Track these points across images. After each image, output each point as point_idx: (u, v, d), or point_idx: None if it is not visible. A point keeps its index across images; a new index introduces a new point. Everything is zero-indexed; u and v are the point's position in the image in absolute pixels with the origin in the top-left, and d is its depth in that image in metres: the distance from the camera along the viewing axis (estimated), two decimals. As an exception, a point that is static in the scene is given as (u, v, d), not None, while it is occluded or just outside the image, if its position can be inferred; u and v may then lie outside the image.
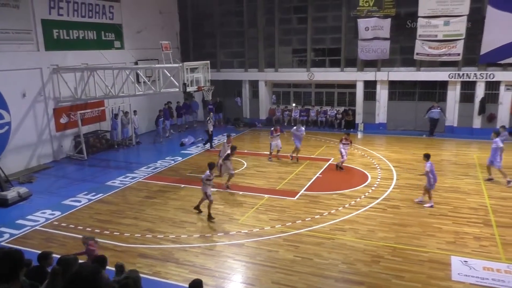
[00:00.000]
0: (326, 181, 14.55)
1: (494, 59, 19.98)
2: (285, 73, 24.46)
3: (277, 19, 24.00)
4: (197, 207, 11.81)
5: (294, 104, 25.21)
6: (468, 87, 21.01)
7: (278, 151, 17.20)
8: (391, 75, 21.97)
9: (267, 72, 24.81)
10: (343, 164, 15.68)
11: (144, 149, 20.19)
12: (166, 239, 10.19)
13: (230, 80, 25.21)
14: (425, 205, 11.94)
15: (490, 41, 19.54)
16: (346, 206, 12.06)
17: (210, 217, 11.34)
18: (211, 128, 19.26)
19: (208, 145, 19.53)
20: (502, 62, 19.90)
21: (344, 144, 15.59)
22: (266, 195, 13.02)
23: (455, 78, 20.85)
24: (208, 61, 17.36)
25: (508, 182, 13.49)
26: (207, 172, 11.43)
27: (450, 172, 15.33)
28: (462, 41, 19.82)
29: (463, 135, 20.48)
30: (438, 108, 20.75)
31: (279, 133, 17.32)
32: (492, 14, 19.09)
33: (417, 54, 20.75)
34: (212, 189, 11.91)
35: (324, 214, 11.50)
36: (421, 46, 20.51)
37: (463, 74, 20.71)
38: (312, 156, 17.60)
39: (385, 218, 11.17)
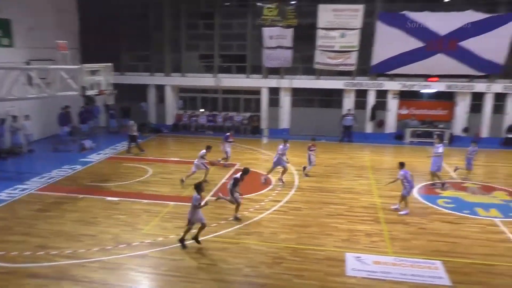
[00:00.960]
0: (233, 186, 14.72)
1: (383, 70, 22.03)
2: (192, 78, 24.32)
3: (183, 24, 23.81)
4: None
5: (201, 110, 25.19)
6: (361, 95, 22.86)
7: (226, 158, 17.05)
8: (293, 83, 23.04)
9: (174, 77, 24.46)
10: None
11: (37, 157, 18.58)
12: (61, 255, 9.47)
13: (135, 84, 24.36)
14: (400, 212, 12.16)
15: (379, 54, 21.50)
16: (251, 210, 12.34)
17: (197, 240, 9.92)
18: (135, 132, 18.93)
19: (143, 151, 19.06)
20: (390, 72, 22.01)
21: (312, 150, 16.02)
22: (171, 203, 12.79)
23: (350, 86, 22.57)
24: (111, 64, 16.56)
25: (443, 184, 14.68)
26: (196, 195, 9.68)
27: (346, 174, 16.54)
28: (356, 53, 21.53)
29: (357, 140, 22.18)
30: (352, 116, 22.29)
31: (233, 140, 17.45)
32: (381, 29, 21.02)
33: (317, 63, 22.07)
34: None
35: (229, 219, 11.62)
36: (320, 56, 21.85)
37: (356, 83, 22.51)
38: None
39: (287, 220, 11.65)
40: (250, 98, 24.80)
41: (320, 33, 21.51)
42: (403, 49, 21.09)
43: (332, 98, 23.42)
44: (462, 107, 22.15)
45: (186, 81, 24.49)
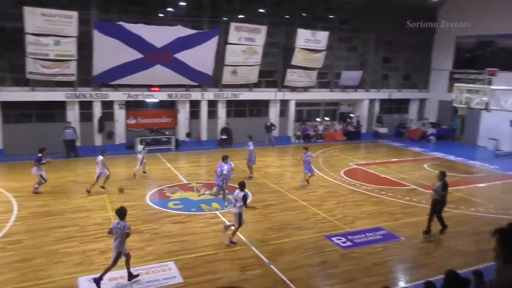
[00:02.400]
0: None
1: (106, 80, 21.71)
2: None
3: None
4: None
5: None
6: (86, 107, 21.89)
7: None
8: (2, 96, 19.90)
9: None
10: None
11: None
12: None
13: None
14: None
15: (100, 64, 21.03)
16: (-48, 256, 9.94)
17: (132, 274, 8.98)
18: None
19: None
20: (114, 83, 21.91)
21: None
22: None
23: (72, 98, 21.24)
24: None
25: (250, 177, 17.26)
26: (123, 221, 8.72)
27: (76, 192, 15.46)
28: (75, 62, 20.38)
29: (87, 154, 21.06)
30: (71, 128, 20.67)
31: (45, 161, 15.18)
32: (99, 38, 20.54)
33: (30, 73, 19.74)
34: None
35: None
36: (33, 64, 19.63)
37: (79, 94, 21.39)
38: None
39: (4, 258, 9.92)
40: None
41: (29, 39, 19.23)
42: (124, 60, 21.30)
43: (54, 111, 21.51)
44: (183, 114, 24.27)
45: None
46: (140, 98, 22.85)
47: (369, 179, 18.09)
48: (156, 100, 23.66)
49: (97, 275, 8.63)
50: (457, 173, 19.71)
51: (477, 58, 27.16)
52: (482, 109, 20.72)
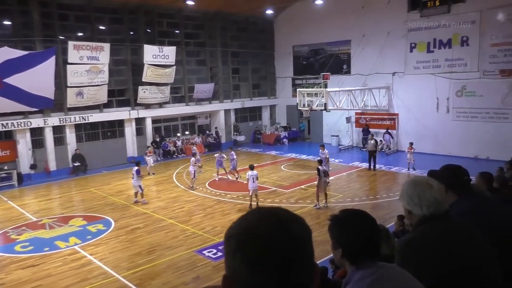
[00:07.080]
0: None
1: None
2: None
3: None
4: None
5: None
6: None
7: None
8: None
9: None
10: None
11: None
12: None
13: None
14: None
15: None
16: None
17: None
18: None
19: None
20: None
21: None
22: None
23: None
24: None
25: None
26: None
27: None
28: None
29: None
30: None
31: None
32: None
33: None
34: None
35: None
36: None
37: None
38: None
39: None
40: None
41: None
42: None
43: None
44: (24, 144, 21.50)
45: None
46: (-35, 132, 19.54)
47: (233, 187, 18.57)
48: (-13, 132, 20.51)
49: None
50: (309, 170, 21.57)
51: (313, 64, 30.35)
52: (322, 109, 23.22)
